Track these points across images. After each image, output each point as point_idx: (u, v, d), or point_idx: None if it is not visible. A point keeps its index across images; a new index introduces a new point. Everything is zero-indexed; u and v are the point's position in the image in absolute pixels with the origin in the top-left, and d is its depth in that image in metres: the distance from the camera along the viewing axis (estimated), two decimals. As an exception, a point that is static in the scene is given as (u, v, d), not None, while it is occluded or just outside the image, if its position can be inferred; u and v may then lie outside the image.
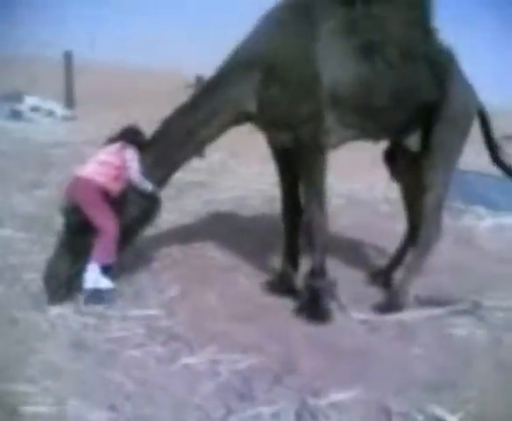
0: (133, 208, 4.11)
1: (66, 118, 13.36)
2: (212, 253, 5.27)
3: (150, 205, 4.17)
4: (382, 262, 5.27)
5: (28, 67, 20.80)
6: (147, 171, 4.12)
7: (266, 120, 4.15)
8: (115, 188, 4.04)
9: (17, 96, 13.48)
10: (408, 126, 4.38)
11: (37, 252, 4.86)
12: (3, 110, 12.97)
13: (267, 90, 4.00)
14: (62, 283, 3.94)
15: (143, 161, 4.12)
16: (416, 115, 4.31)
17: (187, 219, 6.24)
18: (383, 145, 4.79)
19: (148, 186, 4.09)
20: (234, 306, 4.20)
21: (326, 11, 4.09)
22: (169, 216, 6.22)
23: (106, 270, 4.03)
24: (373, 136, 4.50)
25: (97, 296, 3.98)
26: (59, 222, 5.51)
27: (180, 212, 6.45)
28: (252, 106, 4.07)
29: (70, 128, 12.13)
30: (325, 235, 4.20)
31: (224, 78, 4.15)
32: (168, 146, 4.19)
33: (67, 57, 15.60)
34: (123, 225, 4.04)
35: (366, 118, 4.18)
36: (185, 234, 5.63)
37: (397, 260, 4.96)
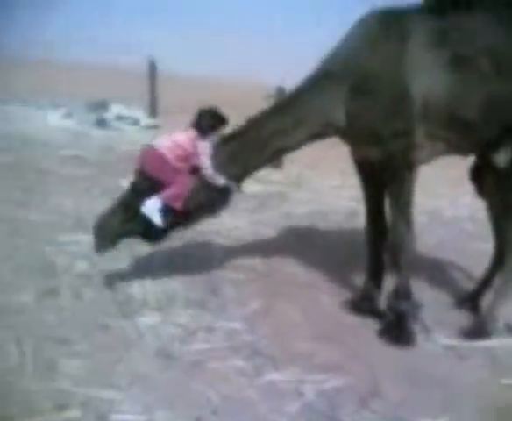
0: (203, 193, 4.16)
1: (150, 127, 13.72)
2: (294, 268, 5.24)
3: (220, 196, 4.22)
4: (468, 285, 5.10)
5: (109, 74, 21.51)
6: (222, 164, 4.16)
7: (355, 134, 4.09)
8: (180, 167, 4.15)
9: (104, 105, 13.98)
10: (498, 142, 4.21)
11: (123, 258, 4.99)
12: (89, 118, 13.50)
13: (357, 103, 3.96)
14: (110, 235, 4.07)
15: (220, 153, 4.18)
16: (507, 131, 4.14)
17: (267, 232, 6.26)
18: (468, 160, 4.62)
19: (220, 180, 4.14)
20: (316, 324, 4.16)
21: (417, 23, 4.02)
22: (251, 227, 6.30)
23: (167, 213, 4.09)
24: (462, 151, 4.35)
25: (148, 225, 4.09)
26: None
27: (260, 225, 6.48)
28: (340, 119, 4.03)
29: (153, 137, 12.33)
30: (411, 255, 4.11)
31: (312, 88, 4.12)
32: (247, 146, 4.19)
33: (152, 66, 16.00)
34: (187, 205, 4.13)
35: (456, 133, 4.06)
36: (266, 247, 5.64)
37: (485, 283, 4.77)
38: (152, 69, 15.91)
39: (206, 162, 4.12)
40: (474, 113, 3.97)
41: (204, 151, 4.15)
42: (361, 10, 4.16)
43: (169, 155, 4.12)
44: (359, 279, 4.77)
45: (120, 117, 13.59)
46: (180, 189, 4.09)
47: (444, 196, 8.63)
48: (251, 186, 8.34)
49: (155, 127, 13.84)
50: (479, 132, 4.09)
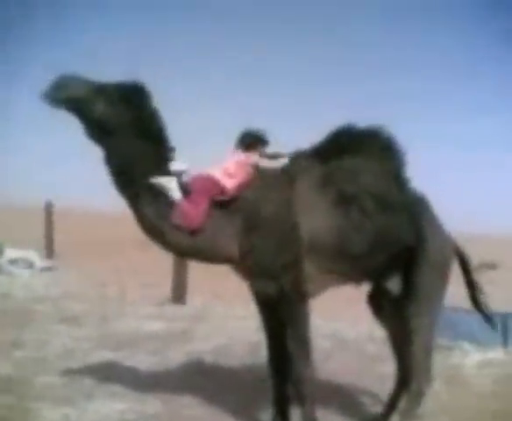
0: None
1: (45, 270, 13.29)
2: (198, 410, 5.04)
3: None
4: (375, 409, 5.15)
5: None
6: None
7: (246, 267, 4.18)
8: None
9: (-4, 249, 13.45)
10: (386, 271, 4.46)
11: (17, 419, 4.63)
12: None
13: (248, 239, 4.07)
14: (68, 93, 3.86)
15: None
16: (394, 260, 4.38)
17: (170, 375, 6.04)
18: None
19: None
20: None
21: (304, 167, 4.30)
22: (153, 370, 6.09)
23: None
24: (354, 280, 4.54)
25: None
26: (40, 385, 5.40)
27: (163, 367, 6.26)
28: (232, 250, 4.10)
29: (50, 280, 12.04)
30: (314, 385, 4.13)
31: (212, 215, 4.12)
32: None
33: (48, 206, 15.74)
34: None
35: (345, 265, 4.23)
36: (170, 392, 5.40)
37: (391, 406, 4.85)
38: (49, 209, 15.68)
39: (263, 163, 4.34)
40: (360, 246, 4.16)
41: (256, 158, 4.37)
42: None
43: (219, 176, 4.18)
44: (267, 414, 4.69)
45: (13, 261, 13.09)
46: (192, 214, 4.02)
47: (344, 318, 8.84)
48: (152, 324, 8.23)
49: (51, 269, 13.44)
50: (366, 262, 4.27)
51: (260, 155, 4.43)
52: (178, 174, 4.15)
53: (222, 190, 4.13)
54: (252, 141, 4.46)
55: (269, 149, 4.53)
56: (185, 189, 4.12)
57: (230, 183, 4.16)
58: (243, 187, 4.22)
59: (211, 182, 4.14)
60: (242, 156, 4.37)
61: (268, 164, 4.36)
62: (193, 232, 4.05)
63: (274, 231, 4.05)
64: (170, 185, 4.05)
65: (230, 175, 4.19)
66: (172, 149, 4.21)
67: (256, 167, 4.34)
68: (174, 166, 4.15)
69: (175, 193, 4.06)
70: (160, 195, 4.06)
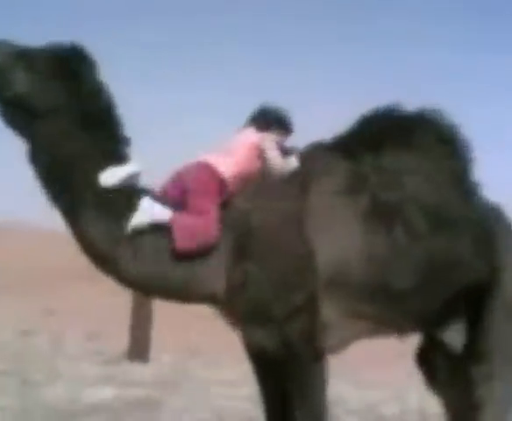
0: None
1: None
2: None
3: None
4: None
5: None
6: None
7: (236, 308, 4.11)
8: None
9: None
10: (443, 316, 4.40)
11: None
12: None
13: (239, 265, 3.99)
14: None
15: None
16: (455, 300, 4.33)
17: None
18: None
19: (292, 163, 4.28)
20: None
21: (323, 164, 4.27)
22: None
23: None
24: (395, 329, 4.49)
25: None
26: None
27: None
28: (217, 284, 4.03)
29: None
30: None
31: None
32: None
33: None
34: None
35: (382, 306, 4.18)
36: None
37: None
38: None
39: (273, 154, 4.28)
40: (404, 280, 4.12)
41: (269, 144, 4.32)
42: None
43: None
44: None
45: None
46: (204, 227, 3.97)
47: (380, 383, 8.78)
48: (99, 391, 8.15)
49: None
50: (414, 303, 4.23)
51: (278, 145, 4.41)
52: (132, 180, 4.09)
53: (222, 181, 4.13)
54: (268, 120, 4.51)
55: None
56: (162, 199, 4.09)
57: (227, 165, 4.15)
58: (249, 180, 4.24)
59: (208, 173, 4.13)
60: (257, 136, 4.38)
61: (281, 163, 4.31)
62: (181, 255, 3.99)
63: (278, 257, 3.99)
64: (147, 214, 3.98)
65: (230, 158, 4.20)
66: (126, 140, 4.18)
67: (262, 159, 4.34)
68: (128, 168, 4.07)
69: (161, 214, 4.00)
70: (110, 204, 4.01)
